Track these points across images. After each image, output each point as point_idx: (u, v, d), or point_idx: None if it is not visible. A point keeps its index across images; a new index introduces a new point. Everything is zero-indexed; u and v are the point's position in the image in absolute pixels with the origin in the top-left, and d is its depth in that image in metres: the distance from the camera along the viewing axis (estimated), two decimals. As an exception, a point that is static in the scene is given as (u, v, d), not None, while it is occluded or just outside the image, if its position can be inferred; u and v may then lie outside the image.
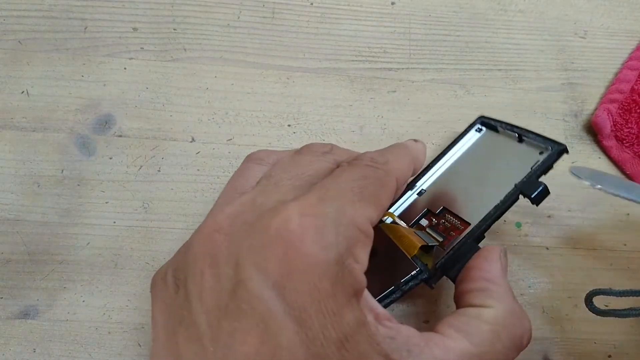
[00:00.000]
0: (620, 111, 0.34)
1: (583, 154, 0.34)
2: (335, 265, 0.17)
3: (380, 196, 0.20)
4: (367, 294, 0.18)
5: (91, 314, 0.28)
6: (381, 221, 0.28)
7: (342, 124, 0.33)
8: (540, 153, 0.26)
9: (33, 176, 0.30)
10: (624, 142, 0.33)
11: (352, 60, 0.34)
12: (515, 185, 0.24)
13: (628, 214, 0.32)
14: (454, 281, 0.23)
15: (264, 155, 0.23)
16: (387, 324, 0.18)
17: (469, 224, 0.25)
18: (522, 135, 0.28)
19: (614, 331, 0.30)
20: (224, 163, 0.31)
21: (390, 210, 0.29)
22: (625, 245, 0.32)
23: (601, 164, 0.33)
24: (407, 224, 0.28)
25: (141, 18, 0.34)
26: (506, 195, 0.24)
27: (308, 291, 0.16)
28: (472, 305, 0.21)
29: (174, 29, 0.34)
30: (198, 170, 0.31)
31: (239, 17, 0.35)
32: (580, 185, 0.33)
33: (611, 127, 0.33)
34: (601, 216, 0.32)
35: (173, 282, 0.19)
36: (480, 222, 0.24)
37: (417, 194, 0.30)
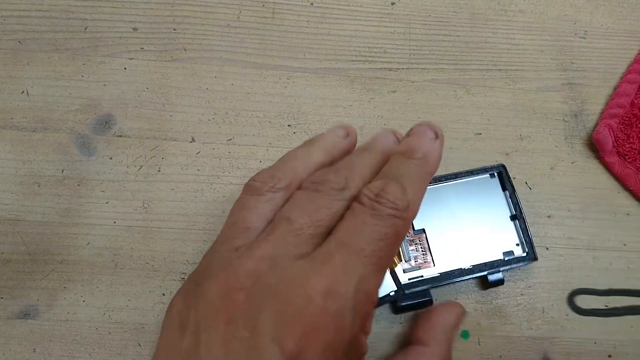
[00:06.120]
0: (622, 126, 0.33)
1: (582, 155, 0.34)
2: (349, 344, 0.18)
3: (393, 255, 0.21)
4: None
5: (91, 314, 0.28)
6: None
7: (342, 124, 0.33)
8: (517, 245, 0.30)
9: (33, 176, 0.30)
10: (626, 157, 0.33)
11: (352, 60, 0.34)
12: (486, 271, 0.29)
13: (628, 214, 0.32)
14: (398, 309, 0.28)
15: (260, 184, 0.22)
16: None
17: (433, 265, 0.29)
18: (516, 217, 0.30)
19: (614, 331, 0.30)
20: (224, 163, 0.31)
21: None
22: (625, 245, 0.32)
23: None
24: None
25: (141, 18, 0.34)
26: (472, 270, 0.29)
27: None
28: (421, 344, 0.25)
29: (174, 29, 0.34)
30: (198, 170, 0.31)
31: (239, 17, 0.35)
32: (580, 185, 0.33)
33: (612, 143, 0.33)
34: (601, 216, 0.32)
35: (179, 323, 0.19)
36: (442, 275, 0.29)
37: None
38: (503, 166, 0.31)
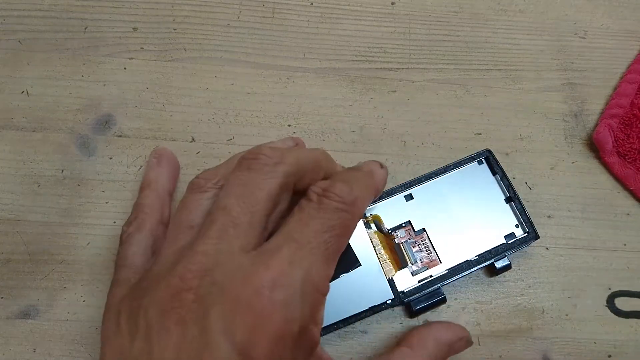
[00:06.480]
0: (621, 126, 0.33)
1: (582, 155, 0.34)
2: (298, 335, 0.19)
3: (342, 247, 0.21)
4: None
5: (91, 314, 0.28)
6: (377, 226, 0.29)
7: (342, 124, 0.33)
8: (516, 226, 0.30)
9: (33, 176, 0.30)
10: (626, 157, 0.33)
11: (352, 60, 0.34)
12: (492, 259, 0.29)
13: (628, 214, 0.32)
14: (413, 313, 0.28)
15: (203, 181, 0.22)
16: None
17: (440, 262, 0.29)
18: (511, 199, 0.30)
19: (614, 331, 0.30)
20: (224, 163, 0.31)
21: (377, 204, 0.30)
22: (625, 245, 0.32)
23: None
24: (388, 226, 0.30)
25: (141, 18, 0.34)
26: (478, 260, 0.29)
27: (271, 358, 0.18)
28: (409, 347, 0.25)
29: (174, 29, 0.34)
30: (198, 170, 0.31)
31: (239, 17, 0.35)
32: (580, 185, 0.33)
33: (612, 143, 0.33)
34: (601, 216, 0.32)
35: (128, 328, 0.19)
36: (450, 271, 0.29)
37: (405, 197, 0.30)
38: (489, 151, 0.31)
